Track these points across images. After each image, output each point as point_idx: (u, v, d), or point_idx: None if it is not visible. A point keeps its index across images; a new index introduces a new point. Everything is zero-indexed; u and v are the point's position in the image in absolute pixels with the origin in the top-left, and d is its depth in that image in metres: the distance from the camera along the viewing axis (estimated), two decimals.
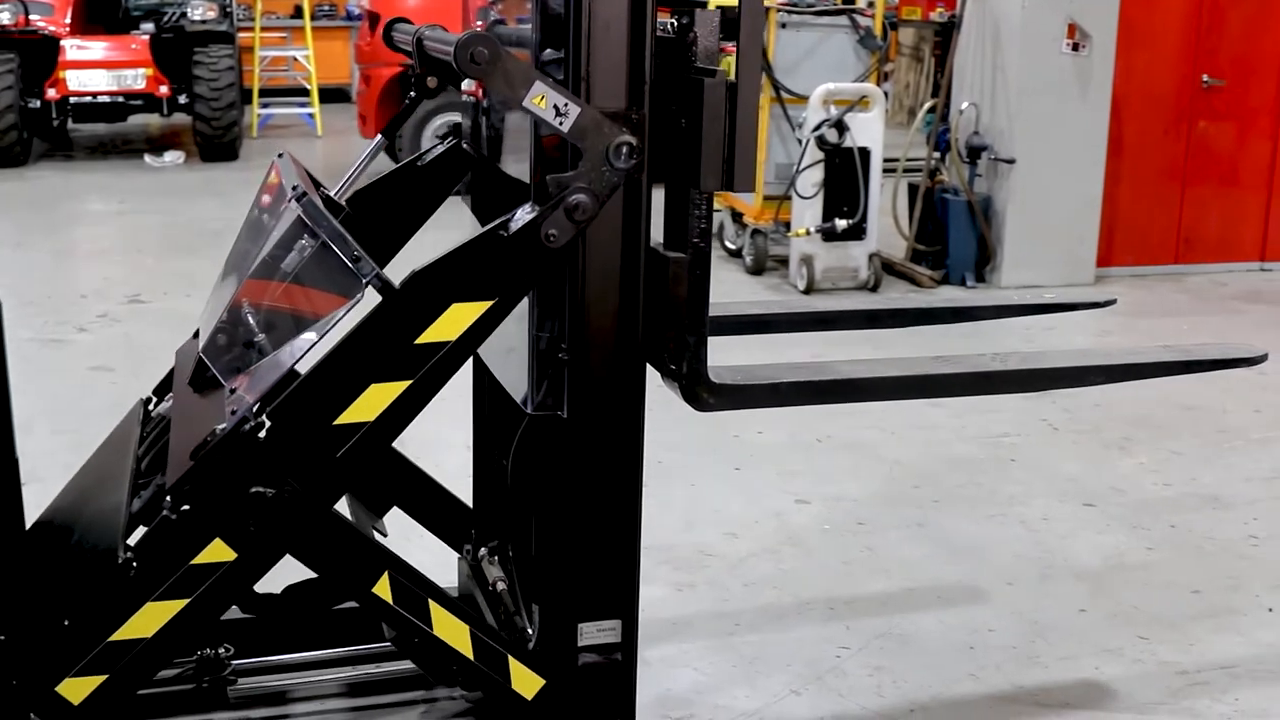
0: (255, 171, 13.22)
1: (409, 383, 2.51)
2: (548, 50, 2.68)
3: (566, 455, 2.68)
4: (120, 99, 13.54)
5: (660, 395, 2.76)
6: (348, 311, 2.52)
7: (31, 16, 13.35)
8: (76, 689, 2.51)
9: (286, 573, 2.74)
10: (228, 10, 14.02)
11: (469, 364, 2.86)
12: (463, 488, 3.59)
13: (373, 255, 2.56)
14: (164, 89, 13.51)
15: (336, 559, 2.59)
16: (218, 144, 13.72)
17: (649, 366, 2.71)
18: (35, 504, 3.94)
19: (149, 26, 14.14)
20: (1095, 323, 7.78)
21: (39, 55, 13.32)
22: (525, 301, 2.65)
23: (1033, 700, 3.84)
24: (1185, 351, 3.32)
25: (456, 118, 10.40)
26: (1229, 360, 3.35)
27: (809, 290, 8.53)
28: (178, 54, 13.67)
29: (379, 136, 3.26)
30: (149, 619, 2.51)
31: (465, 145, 3.26)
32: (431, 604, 2.65)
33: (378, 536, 3.15)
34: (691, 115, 2.57)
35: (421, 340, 2.51)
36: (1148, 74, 9.05)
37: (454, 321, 2.51)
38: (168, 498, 2.47)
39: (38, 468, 5.30)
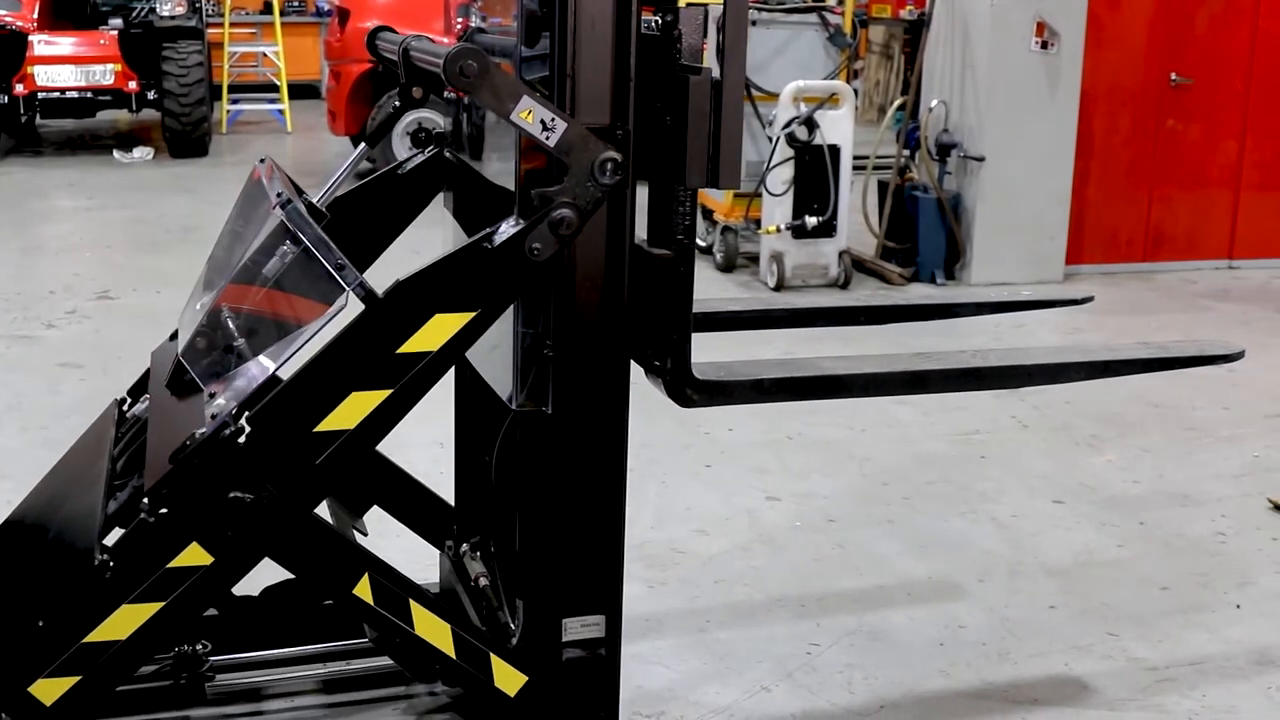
0: (225, 168, 13.21)
1: (390, 391, 2.52)
2: (532, 48, 2.69)
3: (551, 451, 2.70)
4: (89, 94, 13.48)
5: (631, 392, 2.77)
6: (330, 319, 2.53)
7: None
8: (49, 690, 2.51)
9: (265, 574, 2.75)
10: (197, 6, 13.94)
11: None
12: (433, 486, 3.60)
13: (352, 262, 2.57)
14: (133, 85, 13.44)
15: (316, 562, 2.60)
16: (187, 140, 13.65)
17: (632, 363, 2.73)
18: (5, 502, 3.95)
19: (117, 22, 14.08)
20: (1065, 320, 7.82)
21: (6, 51, 13.25)
22: None
23: (1003, 696, 3.86)
24: (1163, 348, 3.36)
25: (425, 114, 10.41)
26: (1206, 357, 3.39)
27: (779, 287, 8.55)
28: (146, 49, 13.60)
29: (362, 145, 3.25)
30: (124, 621, 2.51)
31: (447, 153, 3.26)
32: (412, 604, 2.66)
33: (358, 536, 3.16)
34: (676, 113, 2.59)
35: (404, 350, 2.52)
36: (1116, 72, 9.09)
37: (436, 332, 2.53)
38: (145, 500, 2.48)
39: (6, 465, 5.33)
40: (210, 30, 14.97)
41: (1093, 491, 5.42)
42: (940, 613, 4.34)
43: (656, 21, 2.64)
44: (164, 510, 2.47)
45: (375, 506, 3.51)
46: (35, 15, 13.46)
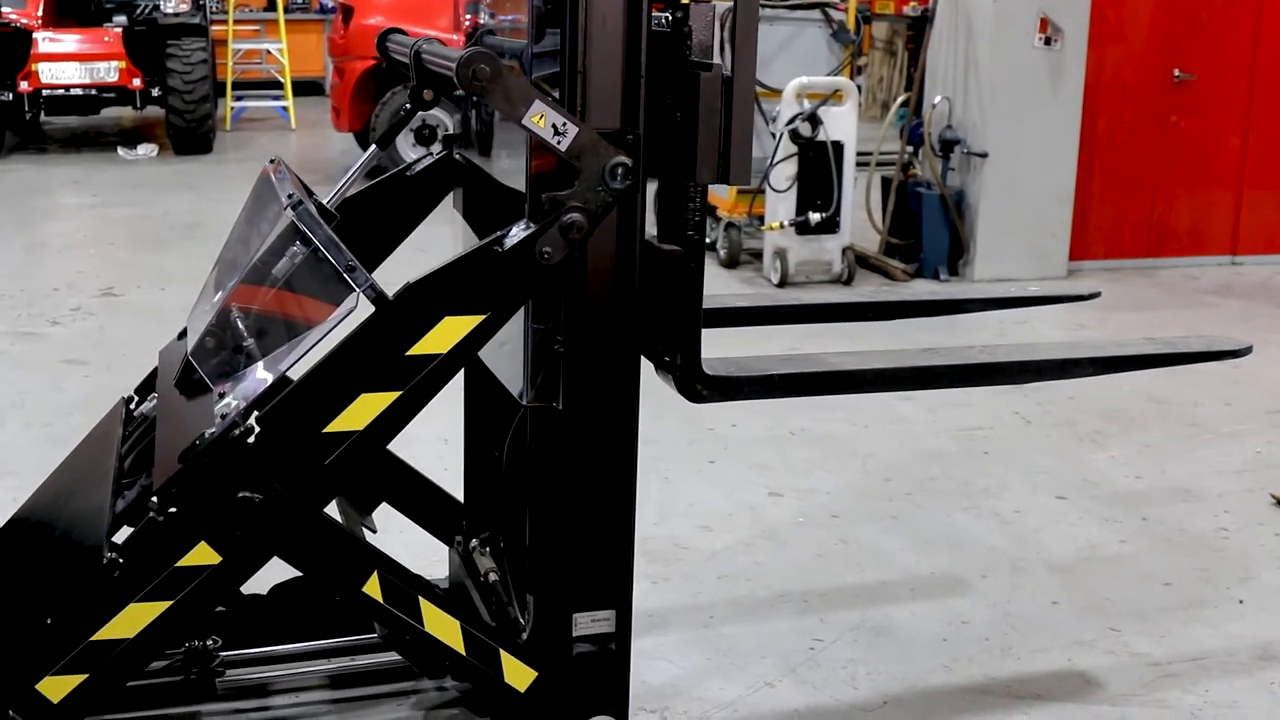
0: (229, 165, 13.22)
1: (399, 393, 2.54)
2: (541, 42, 2.71)
3: (562, 446, 2.71)
4: (93, 92, 13.48)
5: None
6: (341, 321, 2.54)
7: (3, 9, 13.29)
8: (56, 687, 2.52)
9: (274, 573, 2.76)
10: (201, 3, 13.96)
11: None
12: (438, 482, 3.61)
13: (361, 263, 2.58)
14: (137, 82, 13.45)
15: (325, 561, 2.62)
16: (191, 137, 13.67)
17: (642, 359, 2.75)
18: (10, 498, 3.96)
19: (121, 19, 14.09)
20: (1069, 317, 7.83)
21: (11, 48, 13.26)
22: None
23: (1006, 692, 3.87)
24: (1171, 344, 3.37)
25: (431, 112, 10.43)
26: (1214, 352, 3.40)
27: (783, 284, 8.56)
28: (150, 47, 13.62)
29: (373, 147, 3.26)
30: (132, 619, 2.52)
31: (457, 155, 3.28)
32: (422, 601, 2.67)
33: (367, 534, 3.18)
34: (687, 109, 2.61)
35: (413, 351, 2.54)
36: (1119, 68, 9.10)
37: (446, 334, 2.54)
38: (154, 499, 2.49)
39: (11, 461, 5.35)
40: (214, 27, 15.00)
41: (1095, 487, 5.43)
42: (943, 608, 4.36)
43: (667, 18, 2.66)
44: (173, 509, 2.49)
45: (383, 504, 3.52)
46: (40, 13, 13.47)
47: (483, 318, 2.56)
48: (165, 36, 13.55)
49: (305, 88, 17.66)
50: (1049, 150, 8.78)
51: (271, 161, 3.04)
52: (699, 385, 2.75)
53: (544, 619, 2.79)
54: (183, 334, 3.08)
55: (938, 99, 8.92)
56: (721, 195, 9.17)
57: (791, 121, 8.37)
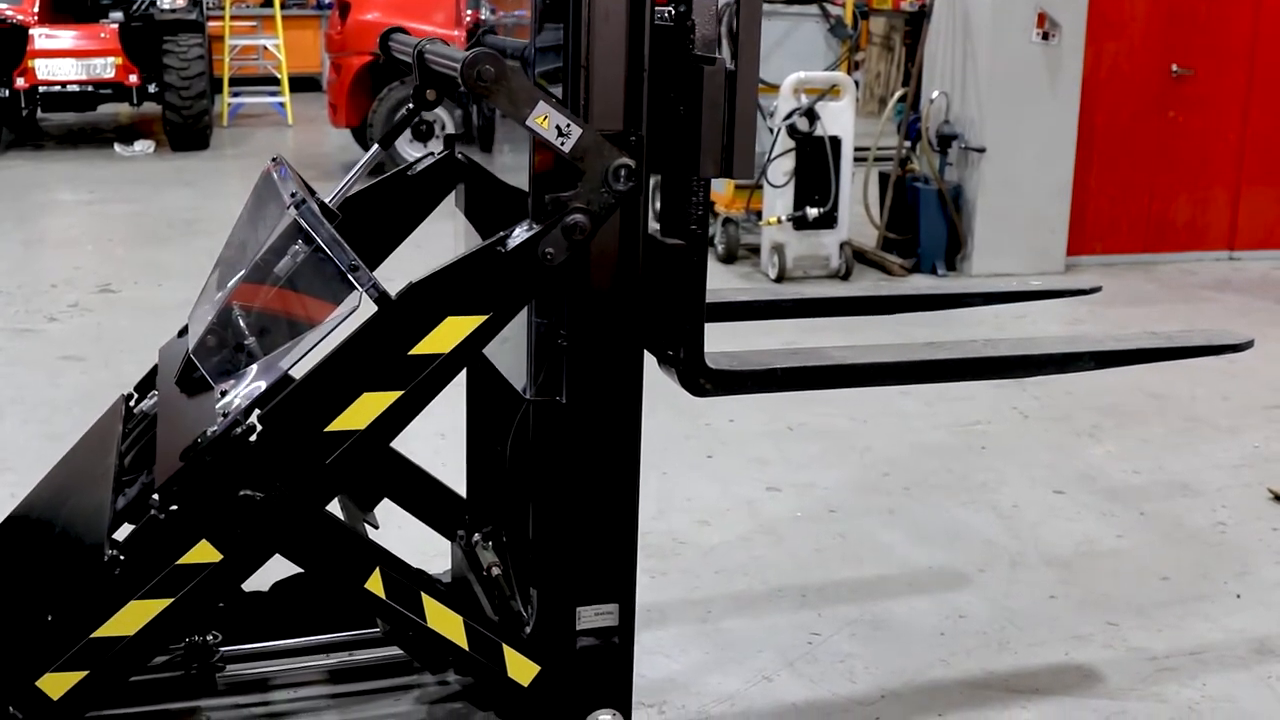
0: (226, 161, 13.22)
1: (401, 393, 2.54)
2: (544, 37, 2.71)
3: (565, 440, 2.71)
4: (89, 88, 13.49)
5: None
6: (343, 320, 2.54)
7: None
8: (57, 684, 2.53)
9: (275, 569, 2.77)
10: None
11: None
12: (436, 477, 3.61)
13: (363, 262, 2.58)
14: (133, 78, 13.45)
15: (326, 558, 2.62)
16: (188, 133, 13.66)
17: (645, 353, 2.75)
18: (9, 494, 3.97)
19: (118, 15, 14.07)
20: (1067, 311, 7.83)
21: (7, 44, 13.25)
22: None
23: (1004, 686, 3.88)
24: (1171, 338, 3.37)
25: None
26: (1215, 347, 3.41)
27: (780, 279, 8.57)
28: (147, 43, 13.60)
29: (375, 146, 3.26)
30: (132, 617, 2.52)
31: (459, 154, 3.28)
32: (424, 596, 2.67)
33: (369, 530, 3.18)
34: (690, 103, 2.61)
35: (415, 351, 2.54)
36: (1117, 63, 9.11)
37: (448, 334, 2.54)
38: (155, 497, 2.49)
39: (9, 458, 5.35)
40: (211, 23, 15.00)
41: (1093, 482, 5.44)
42: (941, 602, 4.37)
43: (669, 12, 2.66)
44: (174, 507, 2.49)
45: (385, 499, 3.52)
46: (36, 9, 13.45)
47: (485, 318, 2.57)
48: (162, 32, 13.53)
49: (302, 83, 17.64)
50: (1047, 145, 8.79)
51: (274, 160, 3.04)
52: (702, 379, 2.76)
53: (547, 613, 2.79)
54: (183, 331, 3.08)
55: (935, 94, 8.92)
56: (719, 190, 9.17)
57: (789, 117, 8.37)
